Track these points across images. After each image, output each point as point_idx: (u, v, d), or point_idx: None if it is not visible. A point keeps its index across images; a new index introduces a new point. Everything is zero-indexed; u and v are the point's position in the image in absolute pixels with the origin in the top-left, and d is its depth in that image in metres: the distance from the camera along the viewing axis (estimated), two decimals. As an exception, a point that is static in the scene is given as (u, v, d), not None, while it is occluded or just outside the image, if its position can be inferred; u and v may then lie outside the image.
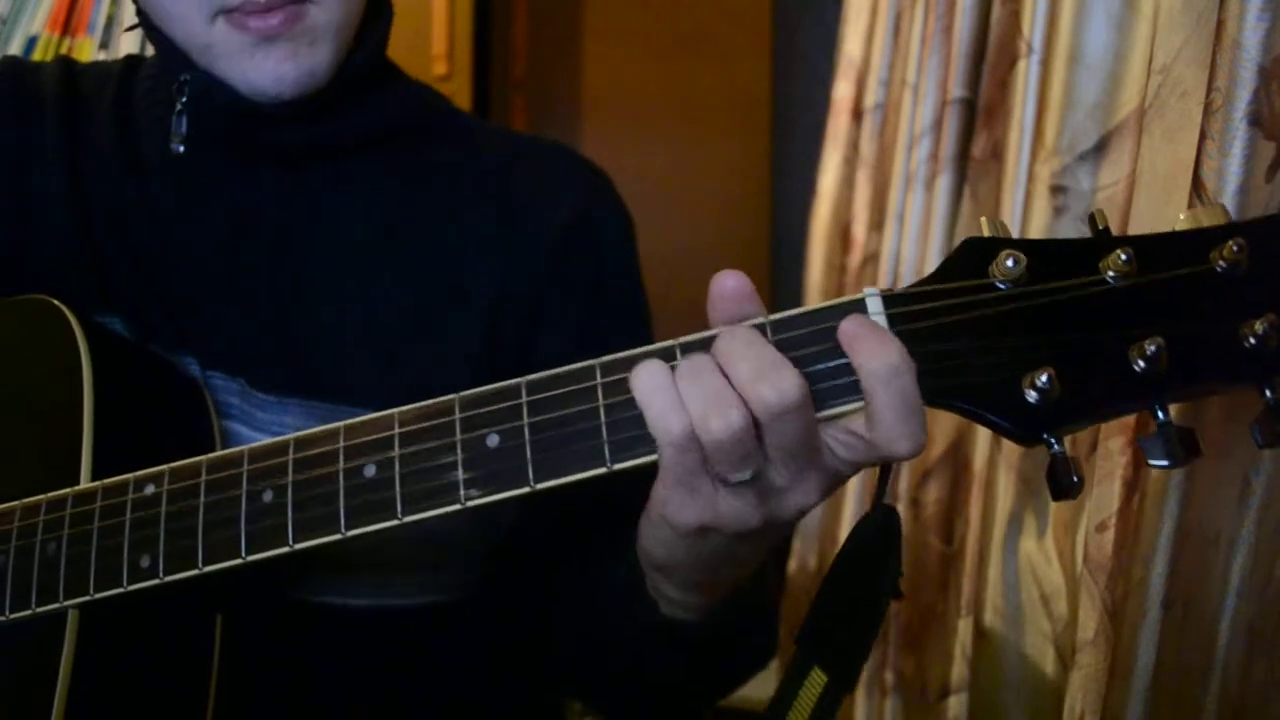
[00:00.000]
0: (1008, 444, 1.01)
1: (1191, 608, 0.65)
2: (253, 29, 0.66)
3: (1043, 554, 0.97)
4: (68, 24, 1.58)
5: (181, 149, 0.71)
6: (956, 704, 1.10)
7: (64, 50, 1.57)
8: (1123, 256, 0.47)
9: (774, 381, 0.47)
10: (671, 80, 2.21)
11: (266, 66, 0.67)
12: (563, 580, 0.72)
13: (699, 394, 0.48)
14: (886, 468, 0.52)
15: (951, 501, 1.19)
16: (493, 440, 0.52)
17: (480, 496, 0.52)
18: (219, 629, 0.64)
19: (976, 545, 1.07)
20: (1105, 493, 0.73)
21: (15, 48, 1.57)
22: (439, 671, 0.76)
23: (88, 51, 1.58)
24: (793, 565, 1.68)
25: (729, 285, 0.50)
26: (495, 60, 2.24)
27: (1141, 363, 0.46)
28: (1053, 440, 0.47)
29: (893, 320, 0.49)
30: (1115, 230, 0.49)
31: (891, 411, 0.47)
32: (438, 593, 0.74)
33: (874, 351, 0.47)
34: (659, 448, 0.49)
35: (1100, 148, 0.93)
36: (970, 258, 0.49)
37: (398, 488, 0.53)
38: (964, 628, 1.09)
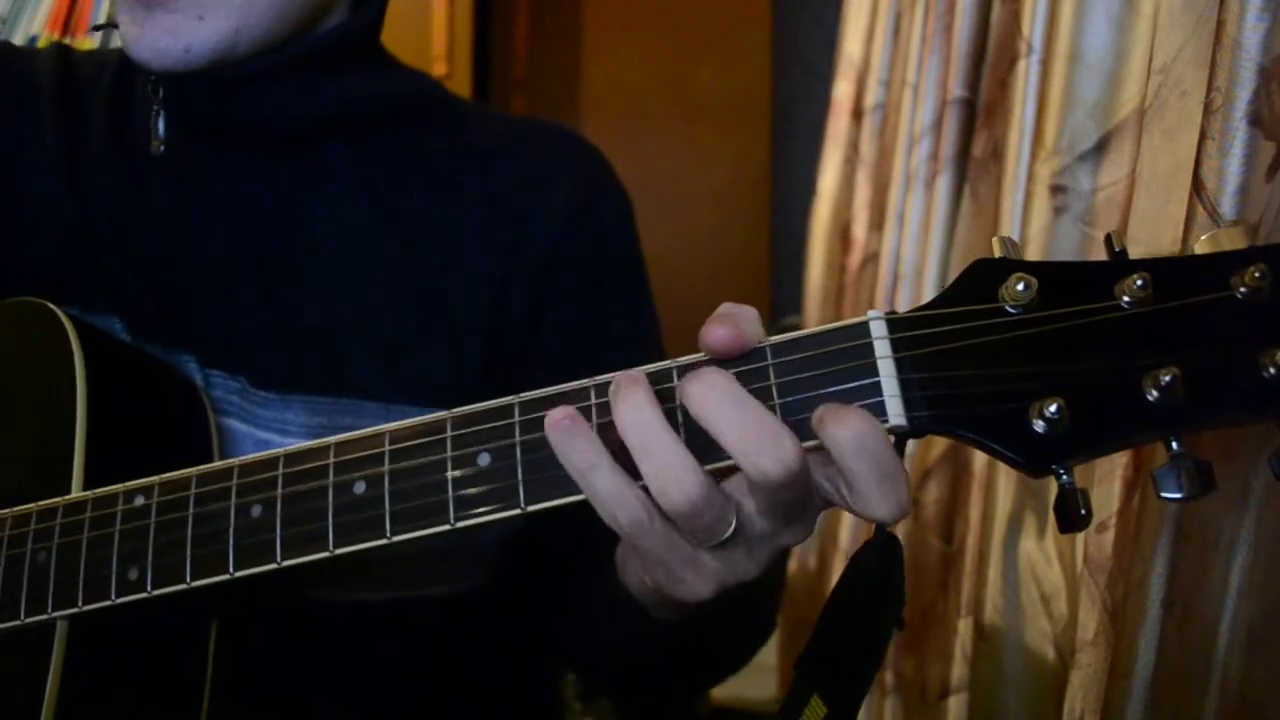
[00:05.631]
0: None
1: (1191, 608, 0.65)
2: None
3: (1043, 554, 0.97)
4: (68, 24, 1.58)
5: (163, 149, 0.70)
6: (956, 704, 1.10)
7: (64, 50, 1.57)
8: (1139, 282, 0.44)
9: (774, 454, 0.44)
10: (671, 80, 2.22)
11: (145, 38, 0.65)
12: (570, 571, 0.72)
13: (652, 468, 0.46)
14: None
15: (951, 501, 1.19)
16: (484, 459, 0.51)
17: (470, 518, 0.50)
18: (213, 636, 0.63)
19: (976, 545, 1.07)
20: (1105, 493, 0.73)
21: (15, 48, 1.57)
22: (446, 663, 0.76)
23: (87, 51, 1.58)
24: (793, 566, 1.68)
25: (720, 342, 0.48)
26: (495, 60, 2.24)
27: (1155, 393, 0.44)
28: (1061, 472, 0.45)
29: (896, 345, 0.47)
30: (1115, 231, 0.48)
31: (866, 480, 0.45)
32: (448, 583, 0.74)
33: (841, 420, 0.45)
34: (617, 530, 0.47)
35: (1100, 148, 0.93)
36: (979, 279, 0.47)
37: (387, 506, 0.52)
38: (964, 628, 1.09)
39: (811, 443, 0.46)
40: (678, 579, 0.49)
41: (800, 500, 0.47)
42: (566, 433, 0.47)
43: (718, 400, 0.45)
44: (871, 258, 1.52)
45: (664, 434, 0.46)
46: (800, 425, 0.46)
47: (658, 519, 0.47)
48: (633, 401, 0.47)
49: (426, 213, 0.74)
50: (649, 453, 0.46)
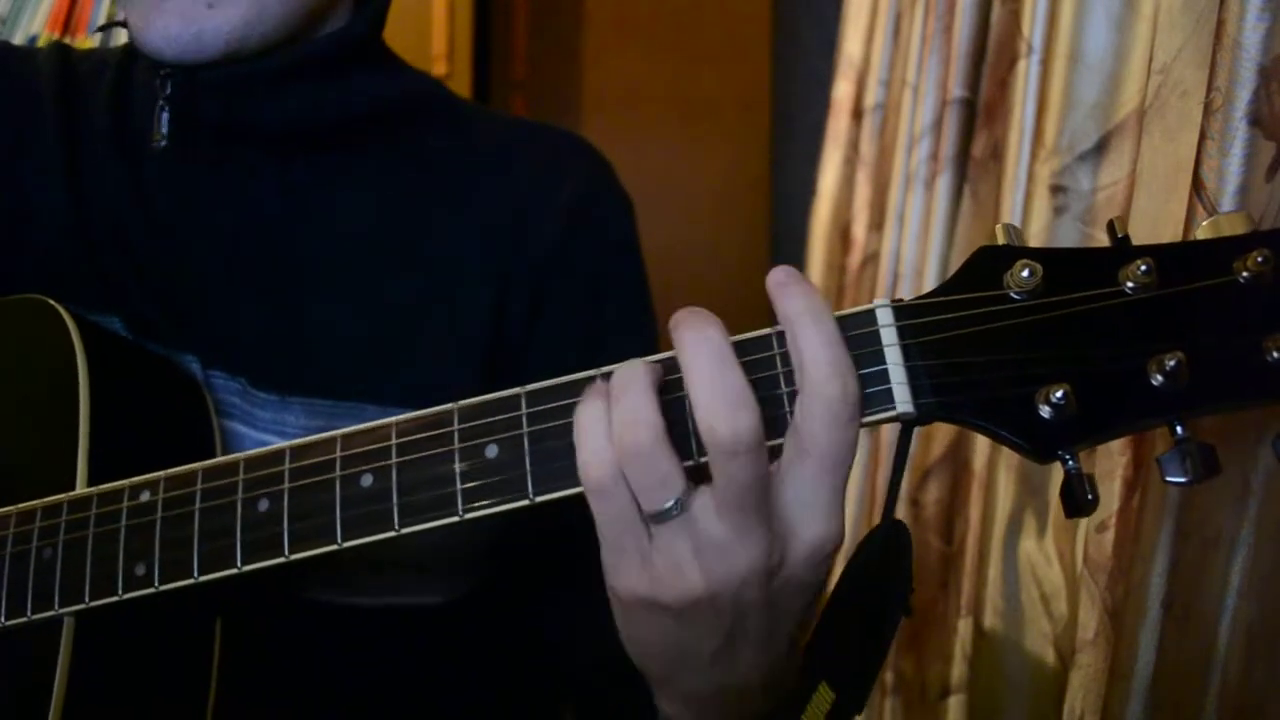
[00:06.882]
0: (1008, 444, 1.01)
1: (1191, 608, 0.65)
2: None
3: (1043, 554, 0.97)
4: (68, 24, 1.58)
5: (164, 144, 0.70)
6: (956, 704, 1.10)
7: (64, 50, 1.57)
8: (1142, 268, 0.45)
9: (729, 418, 0.44)
10: (671, 80, 2.21)
11: (158, 24, 0.65)
12: (570, 577, 0.72)
13: (619, 411, 0.46)
14: (895, 481, 0.50)
15: (951, 501, 1.19)
16: (492, 451, 0.51)
17: (479, 509, 0.51)
18: (218, 633, 0.63)
19: (976, 545, 1.07)
20: (1105, 493, 0.73)
21: (15, 48, 1.57)
22: (443, 670, 0.76)
23: (88, 51, 1.58)
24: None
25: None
26: (495, 60, 2.24)
27: (1160, 377, 0.44)
28: (1068, 457, 0.46)
29: (903, 332, 0.48)
30: (1118, 218, 0.48)
31: (813, 344, 0.46)
32: (444, 591, 0.74)
33: (794, 294, 0.46)
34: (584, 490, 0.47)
35: (1100, 148, 0.93)
36: (984, 267, 0.48)
37: (395, 498, 0.52)
38: (964, 628, 1.09)
39: (777, 441, 0.46)
40: (620, 566, 0.48)
41: (750, 493, 0.45)
42: None
43: (705, 352, 0.46)
44: (871, 258, 1.52)
45: (643, 385, 0.47)
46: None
47: (621, 483, 0.46)
48: (630, 365, 0.48)
49: (428, 214, 0.74)
50: (623, 391, 0.47)
